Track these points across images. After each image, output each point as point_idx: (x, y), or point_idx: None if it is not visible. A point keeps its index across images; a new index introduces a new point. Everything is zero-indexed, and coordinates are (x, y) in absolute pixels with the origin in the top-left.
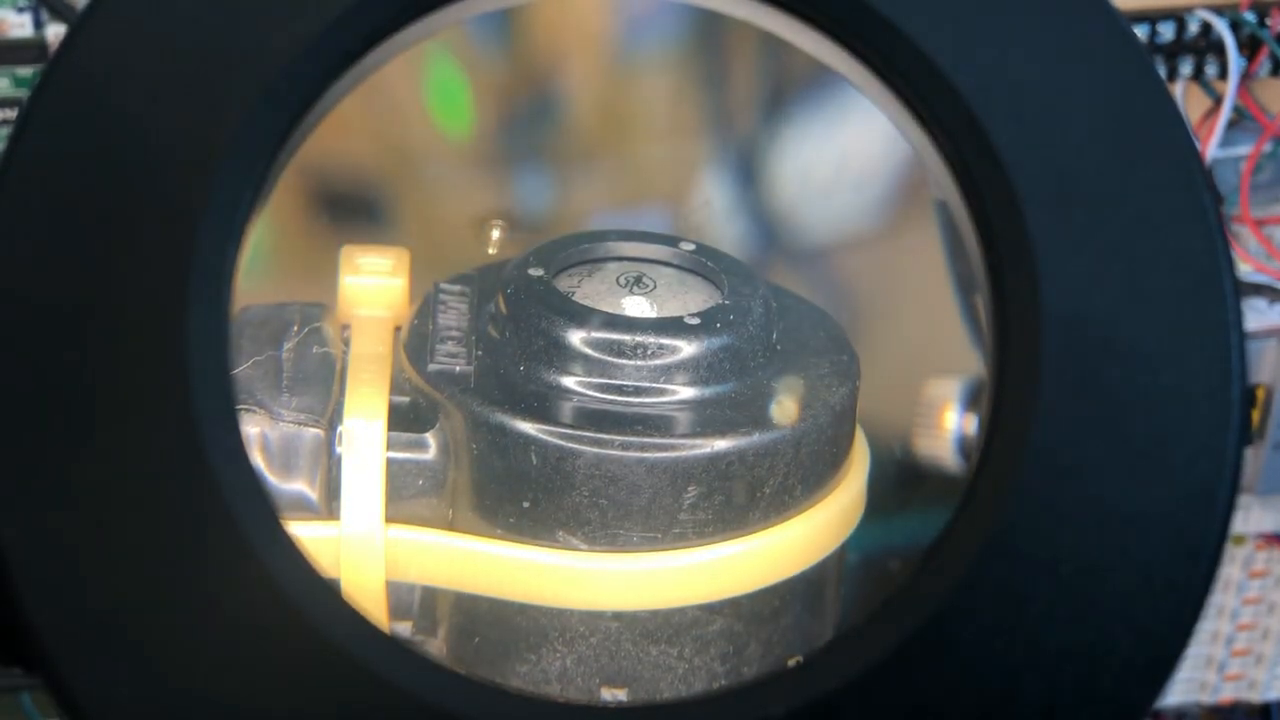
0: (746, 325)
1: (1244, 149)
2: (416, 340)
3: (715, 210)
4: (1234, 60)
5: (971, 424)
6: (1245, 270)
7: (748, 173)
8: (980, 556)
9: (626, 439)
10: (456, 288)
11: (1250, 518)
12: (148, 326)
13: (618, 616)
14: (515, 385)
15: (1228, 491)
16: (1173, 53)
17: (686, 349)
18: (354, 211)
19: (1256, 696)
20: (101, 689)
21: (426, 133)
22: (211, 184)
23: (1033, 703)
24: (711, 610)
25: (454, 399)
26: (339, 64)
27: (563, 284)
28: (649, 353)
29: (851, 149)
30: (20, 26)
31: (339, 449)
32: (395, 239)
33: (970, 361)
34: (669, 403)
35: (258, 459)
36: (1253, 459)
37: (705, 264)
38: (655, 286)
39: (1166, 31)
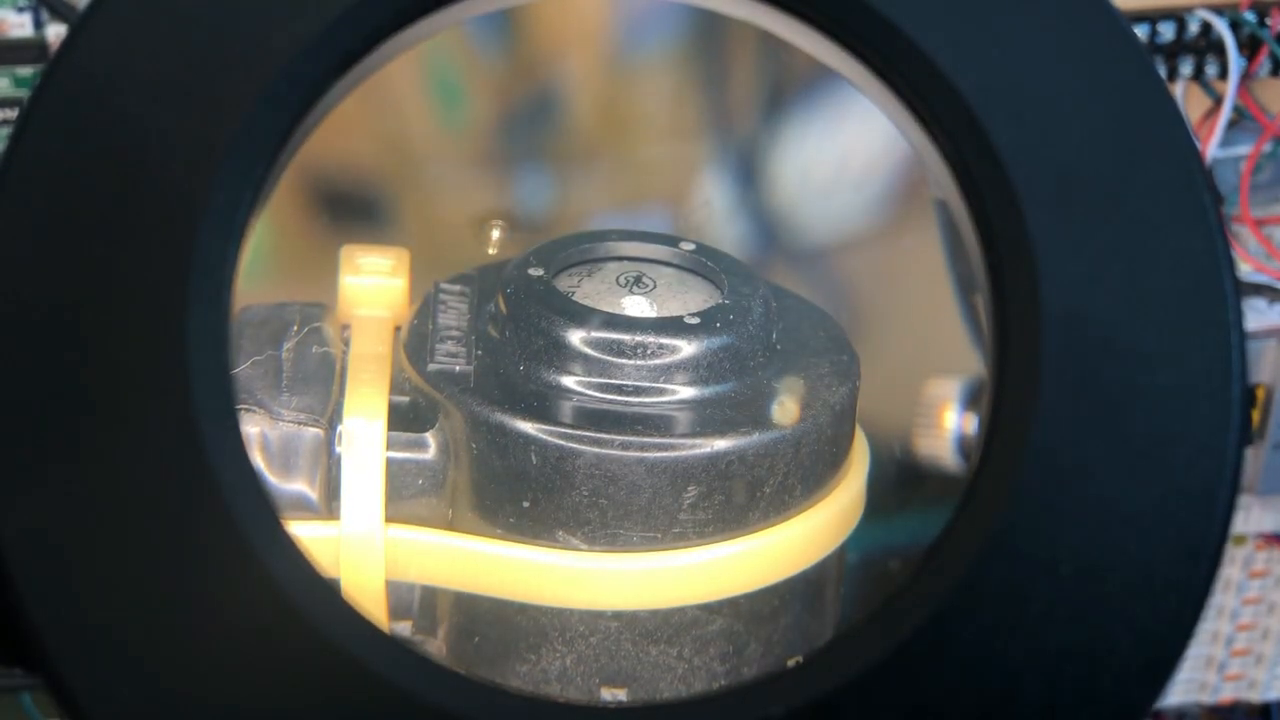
0: (746, 325)
1: (1244, 149)
2: (416, 340)
3: (715, 210)
4: (1234, 60)
5: (971, 424)
6: (1245, 270)
7: (748, 173)
8: (980, 556)
9: (626, 439)
10: (456, 288)
11: (1250, 518)
12: (148, 326)
13: (618, 616)
14: (515, 385)
15: (1228, 491)
16: (1173, 53)
17: (686, 349)
18: (354, 211)
19: (1256, 696)
20: (101, 689)
21: (426, 133)
22: (212, 184)
23: (1033, 703)
24: (711, 610)
25: (454, 399)
26: (339, 64)
27: (563, 284)
28: (649, 352)
29: (851, 149)
30: (20, 26)
31: (339, 449)
32: (395, 239)
33: (970, 361)
34: (669, 402)
35: (258, 459)
36: (1253, 459)
37: (705, 264)
38: (655, 286)
39: (1166, 31)
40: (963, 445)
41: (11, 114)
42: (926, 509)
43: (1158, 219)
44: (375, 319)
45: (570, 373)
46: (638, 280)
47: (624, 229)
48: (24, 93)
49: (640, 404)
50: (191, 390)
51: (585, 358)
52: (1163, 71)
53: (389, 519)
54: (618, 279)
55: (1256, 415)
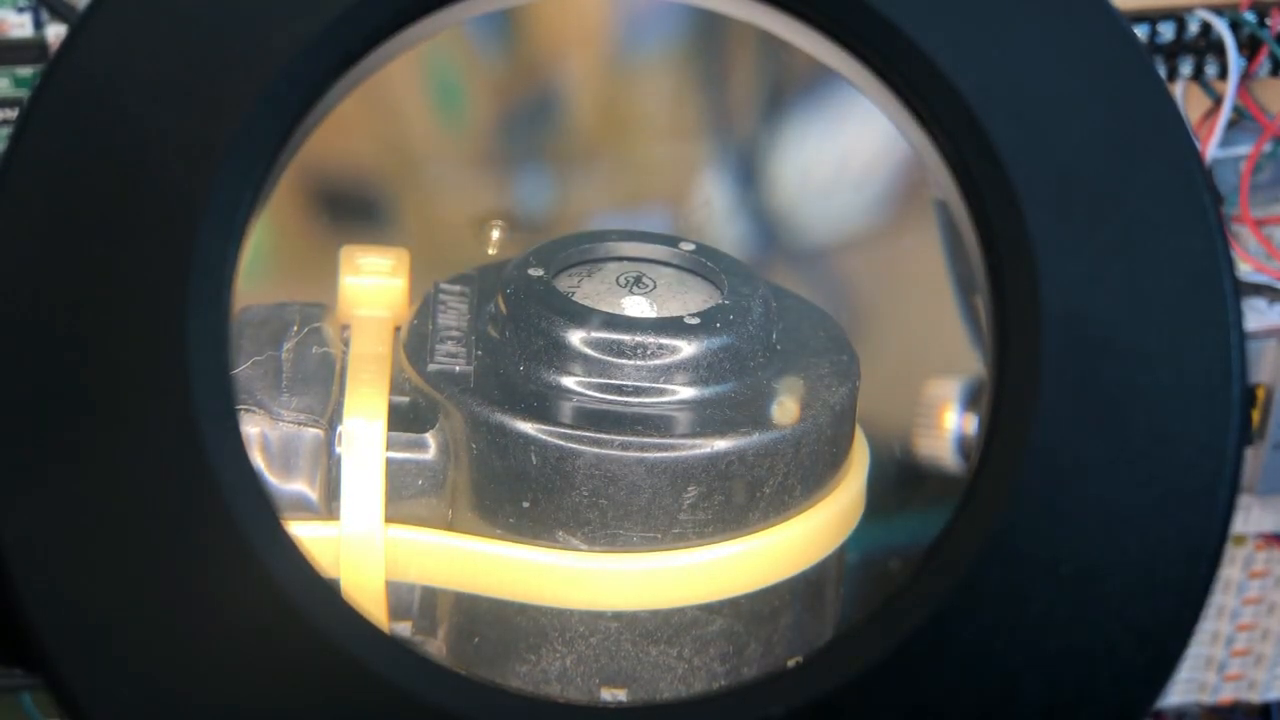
0: (746, 325)
1: (1244, 149)
2: (416, 340)
3: (715, 210)
4: (1234, 60)
5: (971, 424)
6: (1245, 270)
7: (748, 173)
8: (980, 556)
9: (626, 439)
10: (456, 288)
11: (1250, 518)
12: (148, 326)
13: (618, 616)
14: (515, 385)
15: (1228, 491)
16: (1173, 53)
17: (686, 349)
18: (354, 211)
19: (1256, 696)
20: (101, 689)
21: (426, 133)
22: (212, 184)
23: (1033, 703)
24: (711, 610)
25: (454, 399)
26: (339, 64)
27: (563, 284)
28: (649, 353)
29: (851, 149)
30: (20, 26)
31: (339, 449)
32: (395, 239)
33: (970, 361)
34: (669, 403)
35: (258, 459)
36: (1253, 459)
37: (705, 264)
38: (655, 286)
39: (1166, 31)
40: (963, 445)
41: (11, 114)
42: (926, 509)
43: (1157, 219)
44: (375, 319)
45: (570, 373)
46: (638, 280)
47: (624, 229)
48: (24, 93)
49: (640, 404)
50: (191, 390)
51: (585, 358)
52: (1163, 71)
53: (389, 519)
54: (618, 279)
55: (1256, 415)
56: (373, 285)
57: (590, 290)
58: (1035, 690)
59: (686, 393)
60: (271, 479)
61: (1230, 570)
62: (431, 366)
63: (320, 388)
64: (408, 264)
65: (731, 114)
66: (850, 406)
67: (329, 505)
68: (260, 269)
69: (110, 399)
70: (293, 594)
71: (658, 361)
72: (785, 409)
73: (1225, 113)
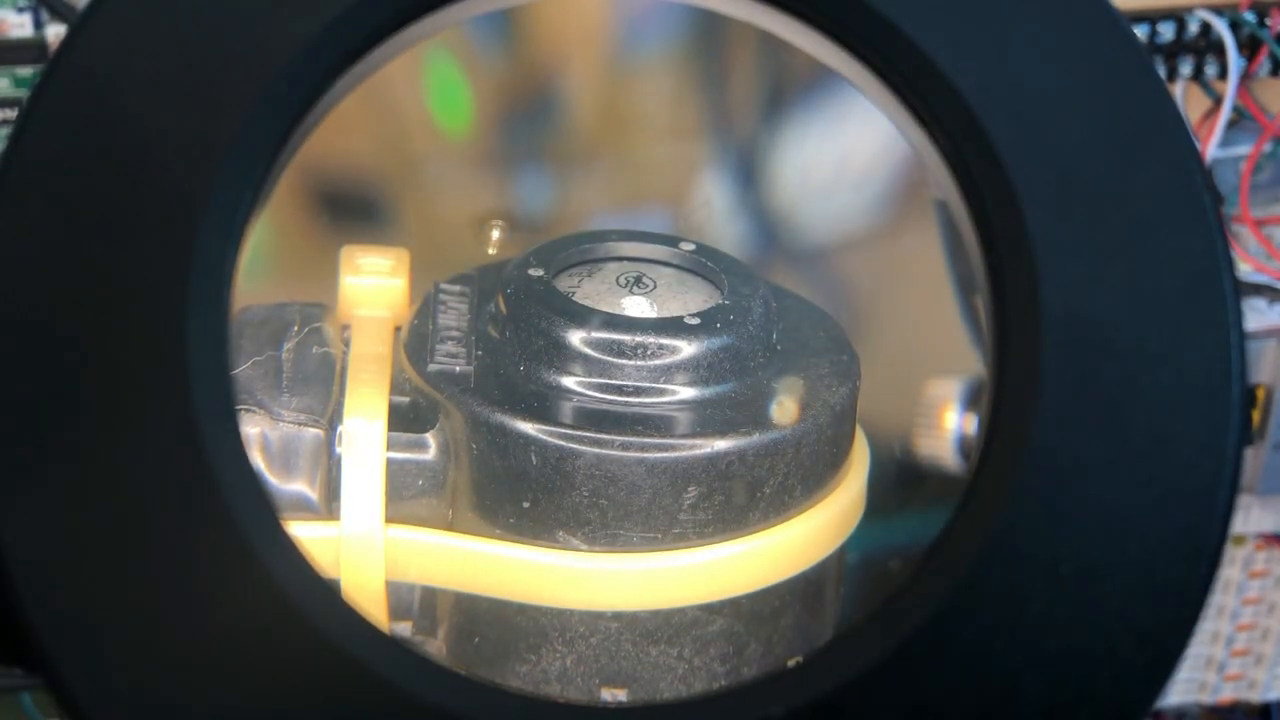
0: (746, 325)
1: (1244, 149)
2: (416, 340)
3: (715, 210)
4: (1234, 60)
5: (971, 424)
6: (1245, 270)
7: (748, 173)
8: (980, 556)
9: (626, 439)
10: (456, 288)
11: (1250, 518)
12: (148, 326)
13: (618, 616)
14: (515, 385)
15: (1228, 491)
16: (1173, 53)
17: (686, 349)
18: (354, 211)
19: (1256, 696)
20: (101, 689)
21: (426, 133)
22: (211, 184)
23: (1033, 703)
24: (711, 610)
25: (454, 399)
26: (339, 64)
27: (563, 284)
28: (649, 353)
29: (851, 149)
30: (20, 26)
31: (339, 449)
32: (395, 239)
33: (970, 361)
34: (669, 403)
35: (258, 459)
36: (1253, 459)
37: (705, 264)
38: (655, 286)
39: (1166, 31)
40: (963, 445)
41: (11, 114)
42: (926, 509)
43: (1157, 219)
44: (375, 319)
45: (570, 373)
46: (638, 280)
47: (624, 229)
48: (24, 93)
49: (640, 404)
50: (191, 390)
51: (585, 358)
52: (1163, 71)
53: (389, 519)
54: (618, 279)
55: (1256, 415)
56: (373, 285)
57: (590, 290)
58: (1035, 690)
59: (687, 393)
60: (271, 479)
61: (1230, 570)
62: (432, 366)
63: (320, 388)
64: (408, 264)
65: (731, 114)
66: (850, 406)
67: (329, 505)
68: (260, 269)
69: (110, 399)
70: (293, 594)
71: (658, 361)
72: (785, 409)
73: (1225, 113)
